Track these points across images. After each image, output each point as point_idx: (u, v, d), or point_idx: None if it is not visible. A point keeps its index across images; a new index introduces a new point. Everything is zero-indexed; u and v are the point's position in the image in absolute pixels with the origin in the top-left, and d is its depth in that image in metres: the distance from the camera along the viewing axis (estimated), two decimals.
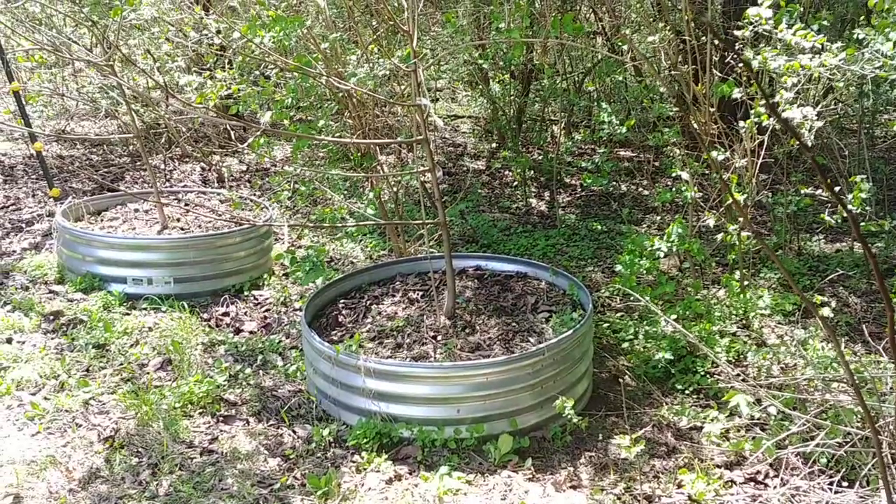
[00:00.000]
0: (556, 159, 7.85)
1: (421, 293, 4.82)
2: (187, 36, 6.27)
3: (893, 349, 2.21)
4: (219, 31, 5.15)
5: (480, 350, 4.18)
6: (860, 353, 4.72)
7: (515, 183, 8.16)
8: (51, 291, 5.56)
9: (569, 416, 3.72)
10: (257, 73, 5.62)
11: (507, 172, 8.68)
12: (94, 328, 4.98)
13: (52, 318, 5.09)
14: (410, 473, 3.73)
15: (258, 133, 3.90)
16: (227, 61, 5.93)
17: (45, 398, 4.24)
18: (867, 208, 5.79)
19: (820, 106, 4.90)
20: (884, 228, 4.52)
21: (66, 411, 4.11)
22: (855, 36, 4.14)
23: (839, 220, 4.54)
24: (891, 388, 3.83)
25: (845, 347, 4.80)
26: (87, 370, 4.56)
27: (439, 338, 4.30)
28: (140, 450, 3.84)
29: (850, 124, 8.27)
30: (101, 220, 6.22)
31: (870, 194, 4.33)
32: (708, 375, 4.49)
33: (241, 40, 4.58)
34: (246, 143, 4.10)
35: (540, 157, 8.46)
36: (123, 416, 4.09)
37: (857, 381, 2.67)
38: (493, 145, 8.95)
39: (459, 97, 12.03)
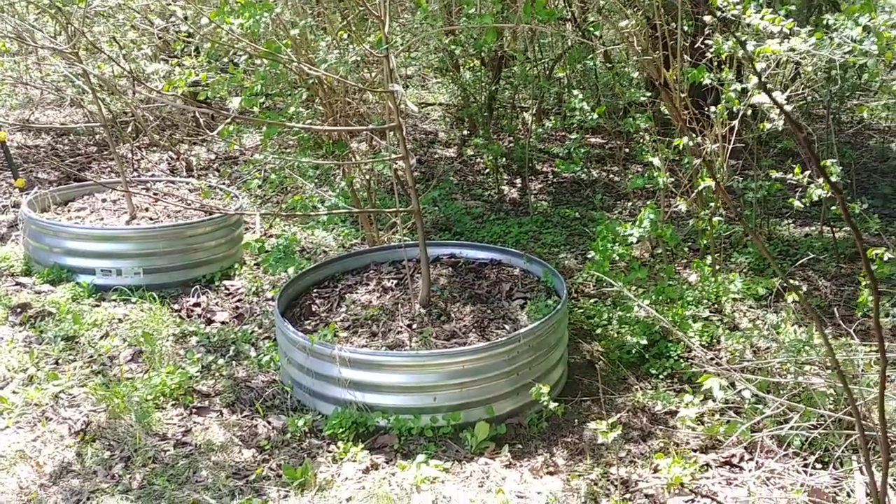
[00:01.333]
0: (528, 146, 7.84)
1: (395, 281, 4.80)
2: (153, 23, 6.18)
3: (877, 328, 2.22)
4: (186, 18, 5.07)
5: (456, 338, 4.16)
6: (831, 335, 4.76)
7: (487, 170, 8.15)
8: (17, 283, 5.47)
9: (545, 403, 3.72)
10: (226, 60, 5.55)
11: (478, 160, 8.66)
12: (62, 320, 4.90)
13: (19, 310, 5.00)
14: (387, 462, 3.71)
15: (227, 120, 3.85)
16: (194, 48, 5.84)
17: (14, 392, 4.17)
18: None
19: (788, 91, 4.93)
20: (854, 211, 4.56)
21: (36, 405, 4.05)
22: (824, 21, 4.16)
23: (808, 204, 4.57)
24: (862, 371, 3.87)
25: (816, 331, 4.84)
26: (57, 363, 4.49)
27: (414, 326, 4.28)
28: (112, 443, 3.79)
29: (818, 110, 8.34)
30: (69, 211, 6.12)
31: (839, 178, 4.37)
32: (682, 360, 4.51)
33: (209, 27, 4.51)
34: (215, 132, 4.04)
35: (511, 144, 8.45)
36: (94, 409, 4.03)
37: (838, 364, 2.68)
38: (465, 132, 8.92)
39: (430, 84, 11.98)
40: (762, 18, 4.17)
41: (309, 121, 5.37)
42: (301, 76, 5.14)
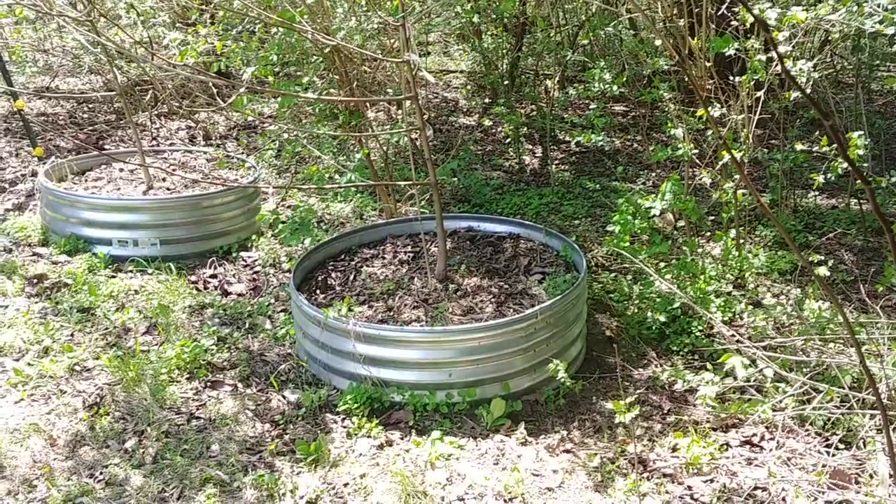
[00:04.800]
0: (550, 115, 7.72)
1: (412, 255, 4.74)
2: None
3: None
4: None
5: (472, 313, 4.10)
6: (856, 311, 4.66)
7: (508, 140, 8.03)
8: (34, 254, 5.46)
9: (562, 380, 3.66)
10: (241, 28, 5.47)
11: (499, 129, 8.54)
12: (78, 291, 4.89)
13: (35, 281, 4.99)
14: (402, 438, 3.67)
15: (241, 91, 3.78)
16: (209, 16, 5.76)
17: (29, 364, 4.16)
18: (864, 164, 5.71)
19: (816, 59, 4.79)
20: (881, 185, 4.44)
21: (51, 377, 4.04)
22: None
23: (836, 177, 4.45)
24: (888, 349, 3.78)
25: (837, 310, 4.74)
26: (72, 335, 4.48)
27: (430, 301, 4.23)
28: (126, 416, 3.78)
29: (847, 78, 8.15)
30: (86, 181, 6.09)
31: (867, 150, 4.24)
32: (703, 336, 4.43)
33: None
34: (229, 102, 3.97)
35: (533, 113, 8.32)
36: (109, 382, 4.02)
37: (857, 342, 2.60)
38: (486, 101, 8.80)
39: (452, 50, 11.82)
40: None
41: (325, 91, 5.28)
42: (317, 45, 5.05)
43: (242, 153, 7.37)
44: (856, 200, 6.09)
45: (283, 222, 4.58)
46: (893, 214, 5.97)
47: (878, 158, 6.62)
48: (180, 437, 3.65)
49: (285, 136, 5.89)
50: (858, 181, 4.52)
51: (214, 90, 5.86)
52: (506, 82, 7.91)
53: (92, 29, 5.39)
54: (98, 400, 3.87)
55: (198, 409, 3.87)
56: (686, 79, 5.45)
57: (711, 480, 3.36)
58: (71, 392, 3.94)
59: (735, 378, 3.83)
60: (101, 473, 3.40)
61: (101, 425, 3.69)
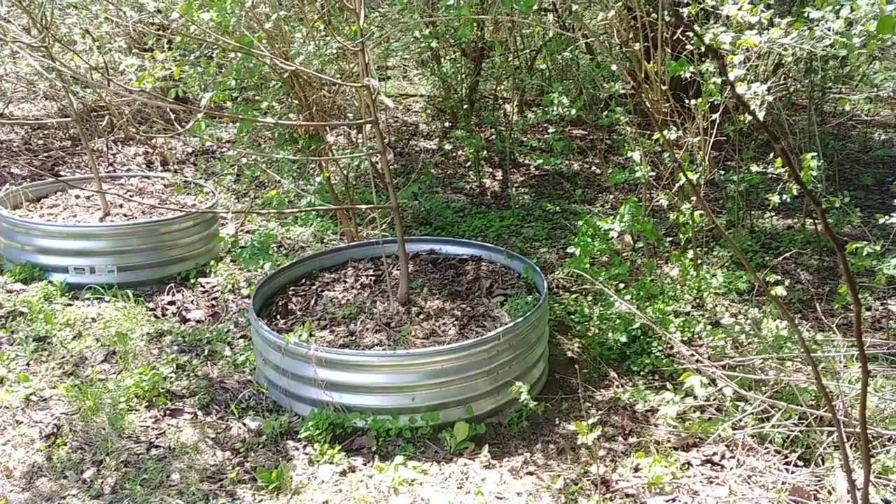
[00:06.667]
0: (510, 138, 7.77)
1: (374, 279, 4.73)
2: (126, 15, 6.07)
3: (857, 338, 2.17)
4: (159, 11, 4.97)
5: (435, 336, 4.10)
6: (813, 329, 4.72)
7: (469, 163, 8.07)
8: None
9: (525, 402, 3.66)
10: (198, 53, 5.45)
11: (460, 152, 8.58)
12: (34, 320, 4.81)
13: None
14: (365, 464, 3.65)
15: (198, 116, 3.76)
16: (167, 41, 5.73)
17: None
18: (818, 185, 5.82)
19: (770, 81, 4.88)
20: (834, 205, 4.52)
21: (6, 408, 3.96)
22: (805, 13, 4.11)
23: (791, 198, 4.53)
24: (844, 366, 3.84)
25: (798, 325, 4.81)
26: (28, 364, 4.40)
27: (393, 325, 4.21)
28: (84, 446, 3.71)
29: (801, 100, 8.31)
30: (41, 208, 6.01)
31: (820, 171, 4.32)
32: (663, 356, 4.47)
33: (180, 19, 4.41)
34: (187, 127, 3.95)
35: (493, 137, 8.37)
36: (66, 412, 3.95)
37: (814, 362, 2.64)
38: (446, 124, 8.84)
39: (412, 75, 11.87)
40: (740, 9, 4.11)
41: (284, 115, 5.27)
42: (275, 69, 5.04)
43: (201, 178, 7.32)
44: (811, 220, 6.20)
45: (242, 247, 4.55)
46: (847, 234, 6.09)
47: (832, 179, 6.75)
48: (139, 467, 3.59)
49: (244, 160, 5.86)
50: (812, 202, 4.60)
51: (172, 115, 5.81)
52: (465, 106, 7.95)
53: (47, 54, 5.34)
54: (55, 430, 3.80)
55: (157, 438, 3.81)
56: (643, 102, 5.52)
57: (674, 500, 3.38)
58: (27, 422, 3.86)
59: (695, 397, 3.87)
60: None
61: (59, 456, 3.62)
